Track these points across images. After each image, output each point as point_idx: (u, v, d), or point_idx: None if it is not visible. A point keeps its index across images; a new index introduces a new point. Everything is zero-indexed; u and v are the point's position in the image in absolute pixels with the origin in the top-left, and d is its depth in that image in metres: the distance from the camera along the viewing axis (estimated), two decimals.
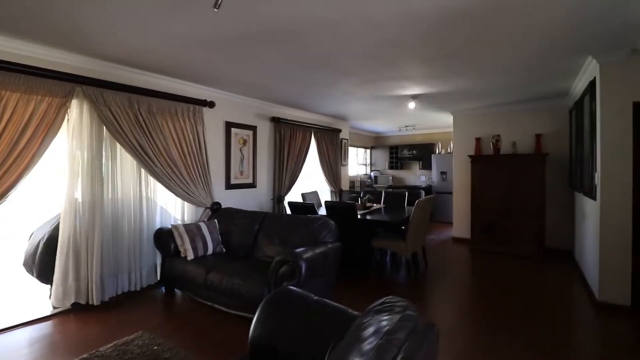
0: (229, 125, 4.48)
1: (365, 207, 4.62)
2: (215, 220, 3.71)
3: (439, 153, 8.05)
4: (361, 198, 4.67)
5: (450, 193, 6.31)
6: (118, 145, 3.25)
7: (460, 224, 5.83)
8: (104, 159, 3.20)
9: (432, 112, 5.99)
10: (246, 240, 3.52)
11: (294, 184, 5.50)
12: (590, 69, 3.26)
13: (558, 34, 2.56)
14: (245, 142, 4.74)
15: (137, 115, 3.33)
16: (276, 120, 5.17)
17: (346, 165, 7.26)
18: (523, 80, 3.85)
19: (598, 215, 3.08)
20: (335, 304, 1.45)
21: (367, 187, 8.67)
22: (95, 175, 3.10)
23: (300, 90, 4.31)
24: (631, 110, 2.93)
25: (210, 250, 3.41)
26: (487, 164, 5.11)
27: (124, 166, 3.38)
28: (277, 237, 3.28)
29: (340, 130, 6.78)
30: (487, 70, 3.45)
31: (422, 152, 8.50)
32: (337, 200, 6.49)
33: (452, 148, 6.61)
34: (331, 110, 5.85)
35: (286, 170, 5.35)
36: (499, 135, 5.11)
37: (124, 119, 3.21)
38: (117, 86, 3.18)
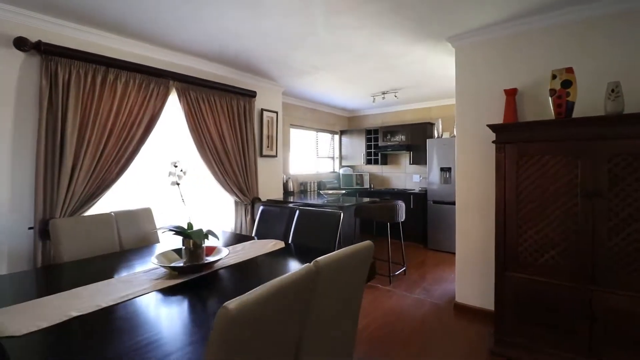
0: None
1: (191, 268, 1.62)
2: None
3: (439, 137, 4.95)
4: (186, 238, 1.68)
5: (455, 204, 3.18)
6: None
7: (468, 279, 2.75)
8: None
9: (411, 43, 2.92)
10: None
11: (102, 192, 2.57)
12: None
13: None
14: None
15: None
16: (40, 49, 2.26)
17: (275, 156, 4.27)
18: None
19: None
20: None
21: (329, 189, 5.65)
22: None
23: None
24: None
25: None
26: (537, 143, 2.02)
27: None
28: None
29: (254, 95, 3.80)
30: None
31: (415, 138, 5.41)
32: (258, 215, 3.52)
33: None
34: (206, 42, 2.88)
35: (79, 164, 2.43)
36: (570, 73, 1.99)
37: None
38: None
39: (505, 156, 2.11)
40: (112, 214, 2.23)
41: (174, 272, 1.61)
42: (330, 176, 6.20)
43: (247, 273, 1.69)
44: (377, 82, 4.21)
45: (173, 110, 3.12)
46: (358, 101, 5.43)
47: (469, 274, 2.74)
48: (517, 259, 2.10)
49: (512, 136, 2.09)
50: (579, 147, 1.89)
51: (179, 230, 1.66)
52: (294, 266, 1.86)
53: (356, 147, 6.21)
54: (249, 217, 3.74)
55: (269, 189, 4.18)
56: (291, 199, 4.52)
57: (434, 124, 5.22)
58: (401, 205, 3.47)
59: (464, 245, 2.77)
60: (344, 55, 3.15)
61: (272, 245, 2.17)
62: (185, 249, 1.67)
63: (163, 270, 1.65)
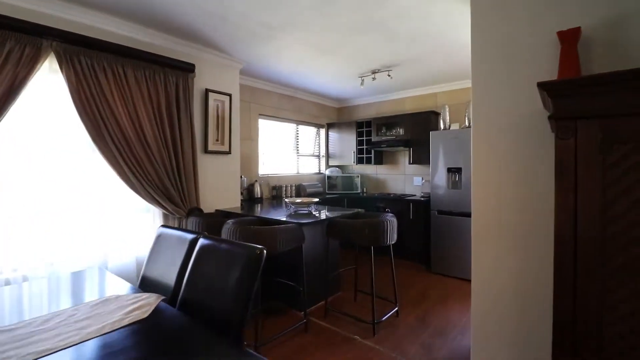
0: None
1: None
2: None
3: (445, 129, 3.90)
4: None
5: (469, 215, 2.06)
6: None
7: (492, 349, 1.69)
8: None
9: None
10: None
11: None
12: None
13: None
14: None
15: None
16: None
17: (228, 153, 3.26)
18: None
19: None
20: None
21: (297, 197, 4.63)
22: None
23: None
24: None
25: None
26: None
27: None
28: None
29: (191, 69, 2.80)
30: None
31: (415, 131, 4.36)
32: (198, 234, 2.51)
33: (470, 115, 2.22)
34: None
35: None
36: None
37: None
38: None
39: (576, 144, 1.07)
40: None
41: None
42: (315, 178, 5.18)
43: None
44: (363, 55, 3.17)
45: (58, 83, 2.15)
46: (344, 85, 4.40)
47: (494, 341, 1.69)
48: (601, 344, 1.06)
49: (591, 104, 1.05)
50: None
51: None
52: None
53: (345, 143, 5.18)
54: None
55: (220, 195, 3.18)
56: (258, 207, 3.52)
57: (439, 113, 4.17)
58: (390, 221, 2.43)
59: (485, 295, 1.71)
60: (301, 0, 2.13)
61: (131, 310, 1.16)
62: None
63: None
